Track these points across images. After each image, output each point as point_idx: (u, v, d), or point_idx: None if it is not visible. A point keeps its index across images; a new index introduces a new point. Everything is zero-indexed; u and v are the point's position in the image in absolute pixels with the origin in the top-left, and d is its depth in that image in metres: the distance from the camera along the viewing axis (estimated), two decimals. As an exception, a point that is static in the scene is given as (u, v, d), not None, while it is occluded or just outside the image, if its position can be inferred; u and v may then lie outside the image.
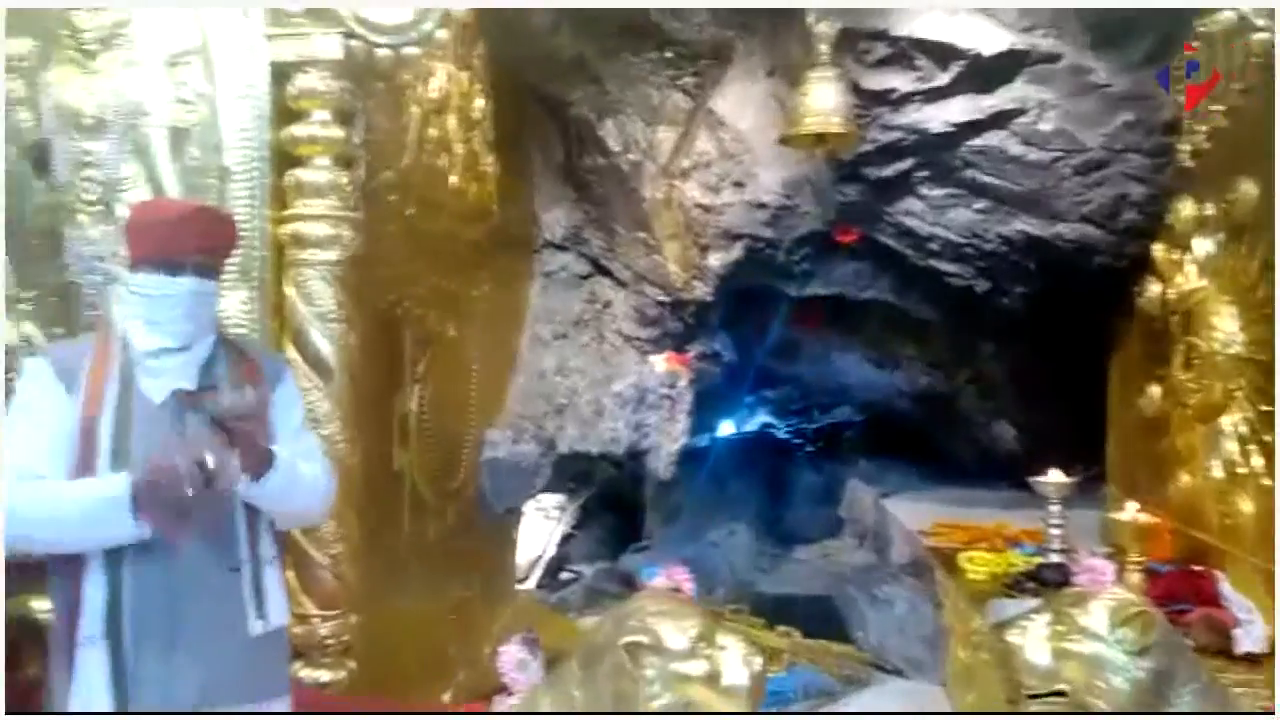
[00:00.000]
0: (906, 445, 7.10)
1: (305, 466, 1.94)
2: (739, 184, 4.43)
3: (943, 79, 3.90)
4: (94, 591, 1.78)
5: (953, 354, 6.05)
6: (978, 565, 3.60)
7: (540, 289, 4.67)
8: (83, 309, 2.63)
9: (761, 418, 8.68)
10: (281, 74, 2.53)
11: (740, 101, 4.28)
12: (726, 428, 8.06)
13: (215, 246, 1.95)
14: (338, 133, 2.55)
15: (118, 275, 2.57)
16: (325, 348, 2.56)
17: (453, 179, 3.31)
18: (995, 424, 6.21)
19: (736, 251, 4.63)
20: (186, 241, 1.86)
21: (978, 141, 4.06)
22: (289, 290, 2.56)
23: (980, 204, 4.33)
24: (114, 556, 1.78)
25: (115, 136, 2.57)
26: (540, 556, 6.02)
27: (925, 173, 4.28)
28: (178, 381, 1.85)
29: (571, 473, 5.22)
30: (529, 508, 5.17)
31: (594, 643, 2.15)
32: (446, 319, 3.36)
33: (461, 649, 3.36)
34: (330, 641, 2.59)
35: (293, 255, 2.56)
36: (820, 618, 4.95)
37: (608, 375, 4.67)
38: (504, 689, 2.54)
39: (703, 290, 4.71)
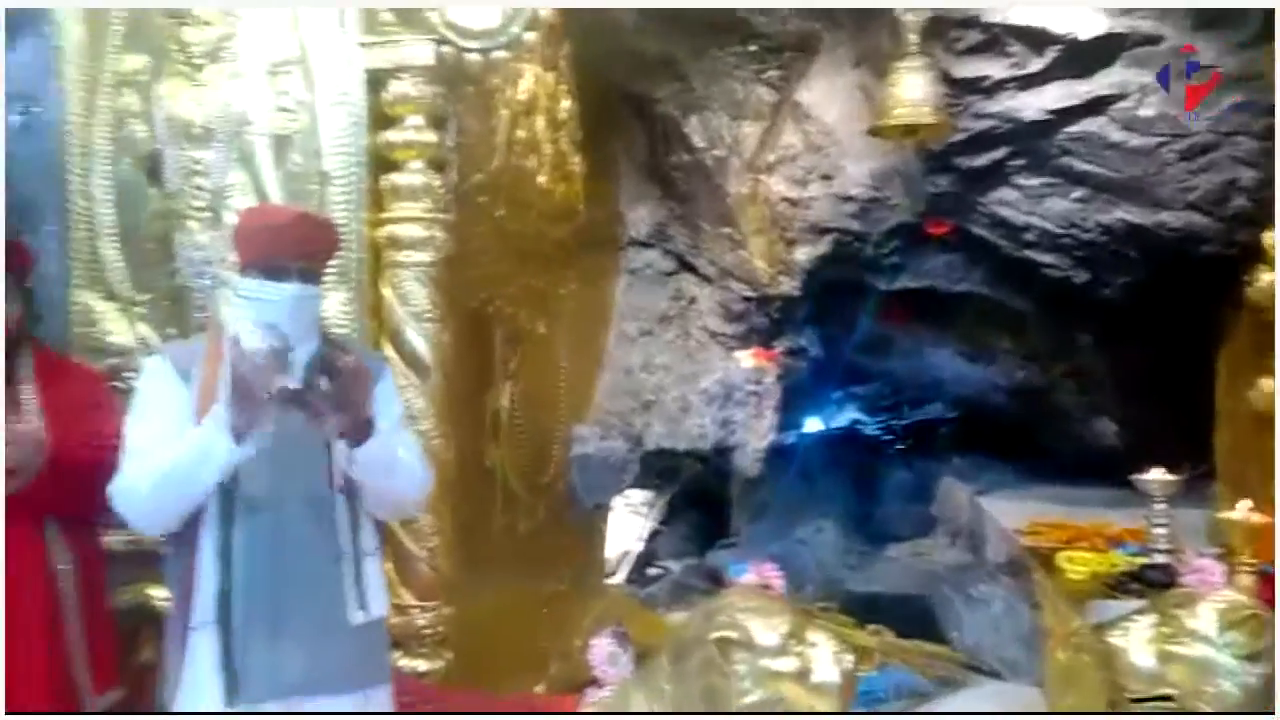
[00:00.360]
0: (1001, 442, 6.92)
1: (403, 453, 2.00)
2: (826, 177, 4.39)
3: (1037, 65, 3.80)
4: (207, 580, 1.86)
5: (1050, 347, 5.87)
6: (1078, 565, 3.49)
7: (626, 286, 4.71)
8: (193, 311, 2.76)
9: (850, 414, 8.57)
10: (376, 81, 2.60)
11: (827, 93, 4.24)
12: (814, 424, 7.98)
13: (317, 252, 2.02)
14: (430, 137, 2.62)
15: (225, 279, 2.69)
16: (420, 346, 2.63)
17: (540, 179, 3.36)
18: (1095, 420, 6.01)
19: (824, 245, 4.59)
20: (290, 248, 1.93)
21: (1075, 128, 3.94)
22: (386, 291, 2.64)
23: (1078, 192, 4.20)
24: (225, 547, 1.86)
25: (222, 145, 2.68)
26: (628, 552, 6.07)
27: (1020, 161, 4.17)
28: (285, 380, 1.93)
29: (658, 469, 5.25)
30: (617, 503, 5.22)
31: (684, 638, 2.17)
32: (536, 317, 3.41)
33: (553, 642, 3.41)
34: (428, 632, 2.67)
35: (389, 257, 2.64)
36: (912, 617, 4.87)
37: (694, 372, 4.67)
38: (595, 682, 2.58)
39: (789, 285, 4.68)
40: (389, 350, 2.62)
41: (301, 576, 1.89)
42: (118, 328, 2.82)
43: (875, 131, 3.75)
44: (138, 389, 1.99)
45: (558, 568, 3.71)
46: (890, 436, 8.56)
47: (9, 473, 2.07)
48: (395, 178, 2.61)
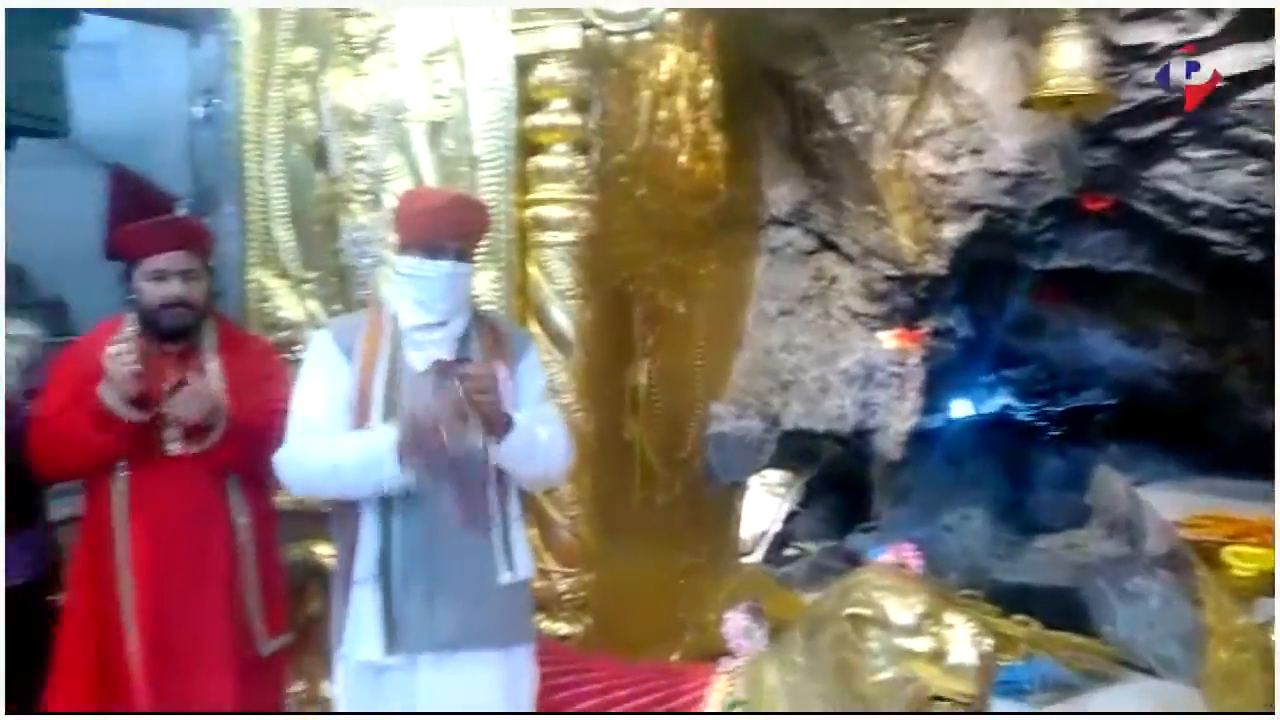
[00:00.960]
0: (1163, 430, 6.53)
1: (543, 431, 2.09)
2: (977, 151, 4.23)
3: (1209, 29, 3.55)
4: (369, 538, 2.00)
5: (1219, 330, 5.49)
6: (1245, 560, 3.29)
7: (766, 265, 4.68)
8: (356, 288, 2.94)
9: (1001, 398, 8.26)
10: (524, 66, 2.70)
11: (978, 64, 4.08)
12: (963, 408, 7.73)
13: (471, 232, 2.13)
14: (575, 120, 2.69)
15: (385, 258, 2.86)
16: (564, 323, 2.73)
17: (681, 159, 3.40)
18: (1267, 408, 5.59)
19: (973, 223, 4.43)
20: (446, 228, 2.04)
21: (1251, 95, 3.66)
22: (532, 269, 2.75)
23: (1254, 165, 3.90)
24: (385, 508, 1.99)
25: (381, 131, 2.84)
26: (765, 532, 6.06)
27: (1188, 133, 3.90)
28: (438, 353, 2.04)
29: (796, 450, 5.21)
30: (754, 483, 5.22)
31: (817, 612, 2.19)
32: (675, 296, 3.46)
33: (689, 613, 3.47)
34: (568, 597, 2.78)
35: (535, 237, 2.74)
36: (1062, 610, 4.67)
37: (834, 352, 4.61)
38: (729, 653, 2.62)
39: (936, 264, 4.54)
40: (534, 326, 2.73)
41: (454, 537, 2.00)
42: (288, 304, 3.04)
43: (1029, 104, 3.60)
44: (304, 362, 2.15)
45: (694, 542, 3.76)
46: (1044, 422, 8.20)
47: (196, 430, 2.27)
48: (541, 160, 2.71)
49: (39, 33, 2.86)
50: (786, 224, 4.67)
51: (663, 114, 3.23)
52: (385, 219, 2.83)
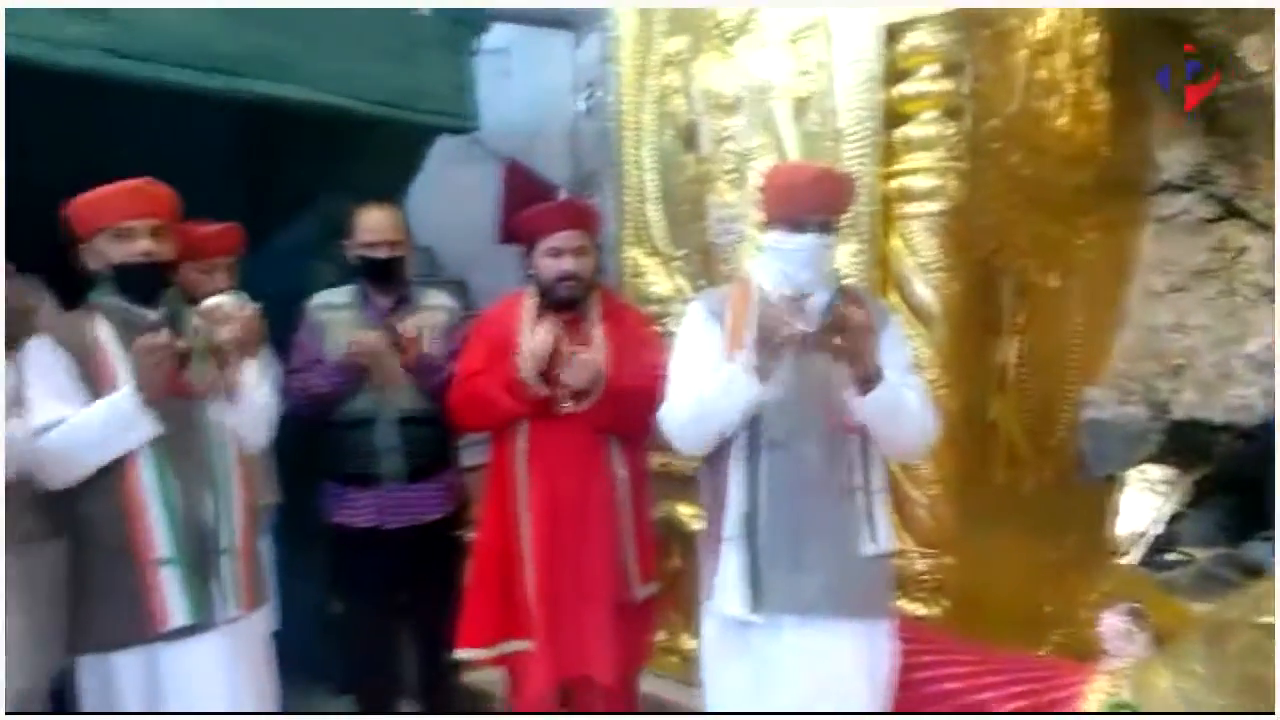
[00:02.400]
0: None
1: (911, 396, 2.06)
2: None
3: None
4: (734, 501, 2.09)
5: None
6: None
7: (1153, 235, 4.22)
8: (720, 264, 3.07)
9: None
10: (892, 35, 2.65)
11: None
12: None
13: (835, 205, 2.15)
14: (946, 85, 2.61)
15: (748, 235, 2.96)
16: (928, 296, 2.66)
17: (1060, 121, 3.16)
18: None
19: None
20: (811, 202, 2.08)
21: None
22: (894, 241, 2.70)
23: None
24: (751, 475, 2.07)
25: (748, 111, 2.93)
26: (1143, 532, 5.50)
27: None
28: (802, 325, 2.08)
29: (1186, 443, 4.66)
30: (1132, 477, 4.75)
31: (1222, 619, 1.98)
32: (1047, 268, 3.23)
33: (1056, 609, 3.26)
34: (925, 577, 2.72)
35: (899, 208, 2.69)
36: None
37: (1239, 334, 4.05)
38: (1105, 656, 2.44)
39: (1375, 231, 3.85)
40: (895, 300, 2.68)
41: (818, 506, 2.05)
42: (659, 279, 3.24)
43: None
44: (680, 330, 2.29)
45: (1062, 534, 3.51)
46: None
47: (580, 394, 2.50)
48: (908, 129, 2.65)
49: (457, 41, 3.27)
50: (1182, 189, 4.17)
51: (1040, 74, 3.02)
52: (751, 197, 2.93)
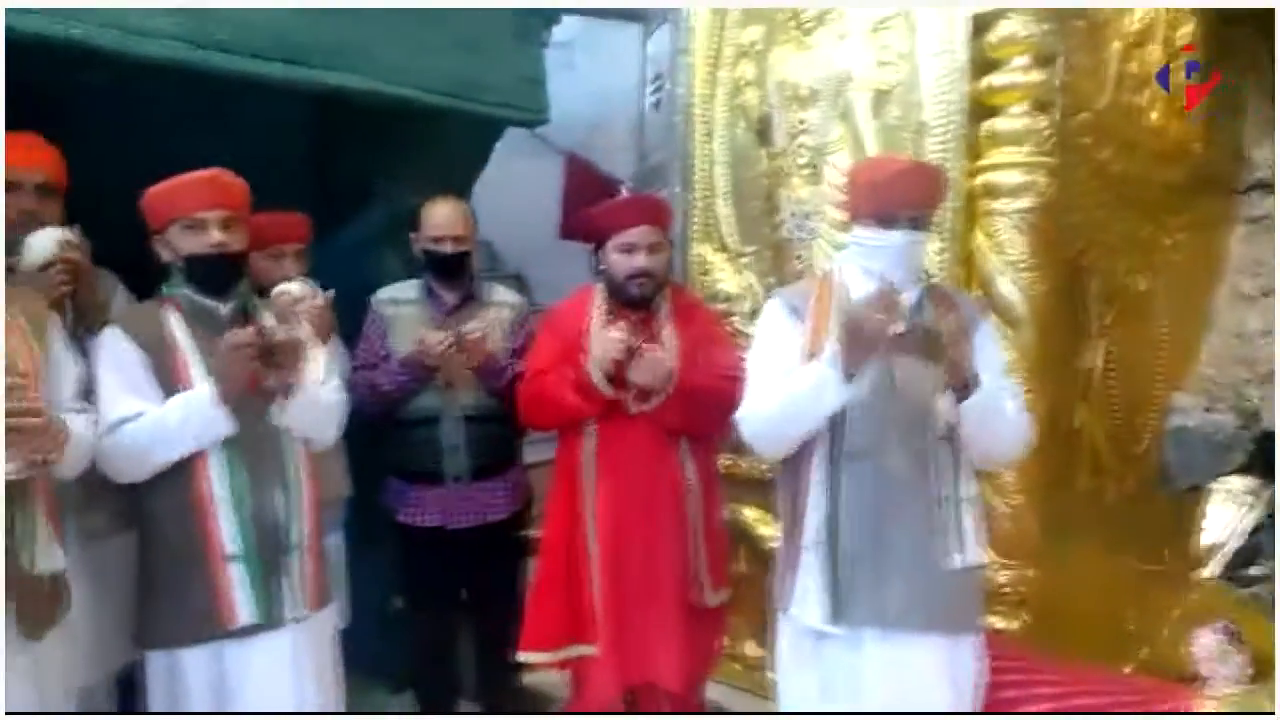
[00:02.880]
0: None
1: (1008, 402, 1.96)
2: None
3: None
4: (814, 508, 2.01)
5: None
6: None
7: (1243, 236, 4.03)
8: (791, 261, 2.98)
9: None
10: (980, 25, 2.54)
11: None
12: None
13: (926, 200, 2.05)
14: (1036, 77, 2.49)
15: (822, 231, 2.87)
16: (1013, 296, 2.55)
17: (1153, 116, 3.02)
18: None
19: None
20: (902, 196, 1.99)
21: None
22: (979, 239, 2.59)
23: None
24: (833, 481, 1.99)
25: (825, 104, 2.84)
26: (1223, 544, 5.29)
27: None
28: (892, 324, 1.99)
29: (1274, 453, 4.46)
30: (1216, 488, 4.56)
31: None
32: (1136, 269, 3.09)
33: (1140, 625, 3.12)
34: (1006, 590, 2.61)
35: (984, 205, 2.58)
36: None
37: (1333, 340, 3.86)
38: (1198, 676, 2.32)
39: None
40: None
41: (903, 515, 1.96)
42: (727, 277, 3.17)
43: None
44: (758, 328, 2.21)
45: (1147, 547, 3.36)
46: None
47: (648, 393, 2.42)
48: (996, 123, 2.54)
49: (527, 33, 3.22)
50: (1274, 188, 3.98)
51: (1133, 66, 2.88)
52: (825, 192, 2.84)
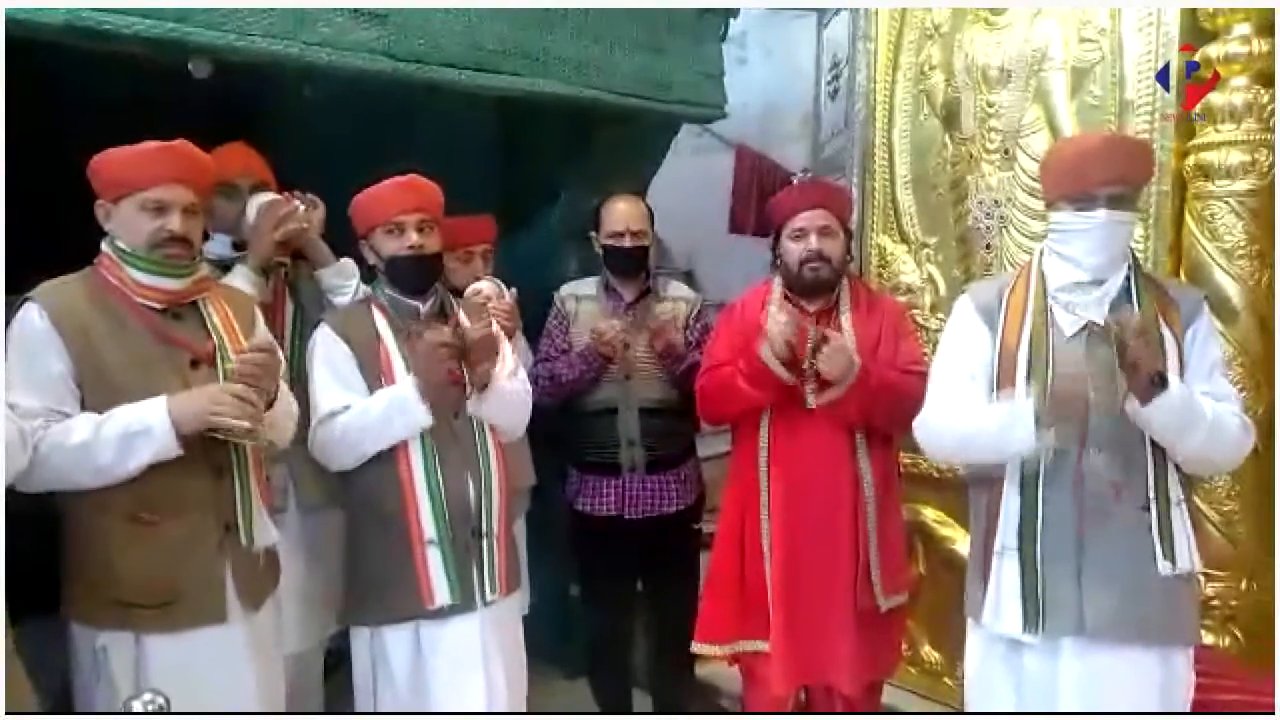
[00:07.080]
0: None
1: (1210, 405, 1.82)
2: None
3: None
4: (1010, 507, 1.92)
5: None
6: None
7: None
8: (978, 251, 2.85)
9: None
10: (1192, -8, 2.36)
11: None
12: None
13: (1127, 177, 1.91)
14: (1262, 46, 2.28)
15: (1013, 219, 2.73)
16: (1230, 288, 2.35)
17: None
18: None
19: None
20: (1102, 173, 1.86)
21: None
22: (1190, 225, 2.40)
23: None
24: (1029, 476, 1.90)
25: (1018, 85, 2.70)
26: None
27: None
28: (1089, 314, 1.88)
29: None
30: None
31: None
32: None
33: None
34: (1215, 604, 2.41)
35: (1197, 187, 2.39)
36: None
37: None
38: None
39: None
40: (1187, 291, 2.38)
41: (1105, 518, 1.85)
42: (908, 268, 3.06)
43: None
44: (947, 328, 2.14)
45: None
46: None
47: (828, 385, 2.36)
48: (1212, 97, 2.34)
49: (705, 28, 3.23)
50: None
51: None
52: (1018, 178, 2.71)
